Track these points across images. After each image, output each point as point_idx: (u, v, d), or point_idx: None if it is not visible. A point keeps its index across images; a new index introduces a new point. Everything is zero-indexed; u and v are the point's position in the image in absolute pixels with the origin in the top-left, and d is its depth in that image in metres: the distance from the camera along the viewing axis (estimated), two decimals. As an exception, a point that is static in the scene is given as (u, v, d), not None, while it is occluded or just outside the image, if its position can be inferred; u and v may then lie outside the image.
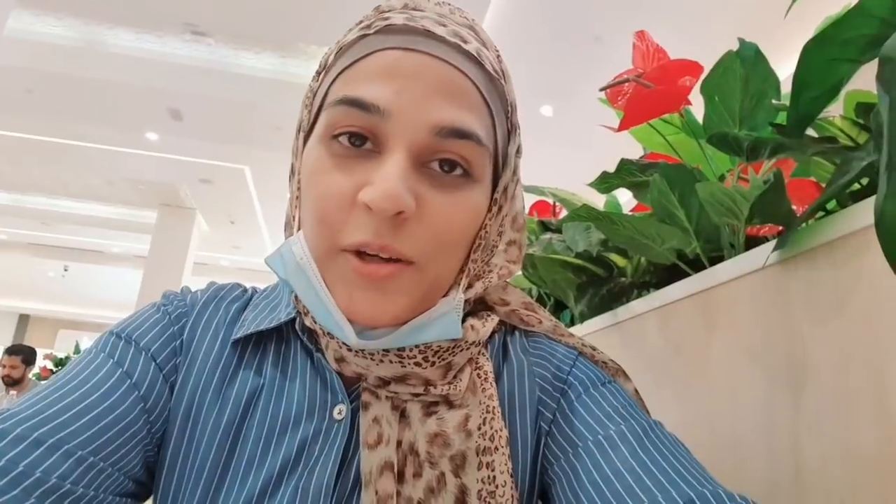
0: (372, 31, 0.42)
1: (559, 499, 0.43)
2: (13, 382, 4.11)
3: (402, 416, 0.44)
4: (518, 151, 0.48)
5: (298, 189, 0.45)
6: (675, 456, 0.41)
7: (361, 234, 0.39)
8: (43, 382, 0.44)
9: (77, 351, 9.00)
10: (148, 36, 4.87)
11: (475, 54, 0.42)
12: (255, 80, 5.20)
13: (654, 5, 3.83)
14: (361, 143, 0.41)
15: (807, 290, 0.52)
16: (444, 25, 0.42)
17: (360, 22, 0.45)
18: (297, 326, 0.49)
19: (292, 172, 0.48)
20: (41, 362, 5.90)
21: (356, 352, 0.43)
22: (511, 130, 0.47)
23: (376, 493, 0.41)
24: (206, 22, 4.60)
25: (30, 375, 4.30)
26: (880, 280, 0.44)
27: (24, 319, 15.24)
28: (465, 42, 0.42)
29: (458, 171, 0.42)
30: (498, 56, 0.47)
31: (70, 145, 6.51)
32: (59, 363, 7.30)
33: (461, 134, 0.40)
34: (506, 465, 0.42)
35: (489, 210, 0.45)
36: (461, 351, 0.45)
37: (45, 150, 6.68)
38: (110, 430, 0.41)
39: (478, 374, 0.45)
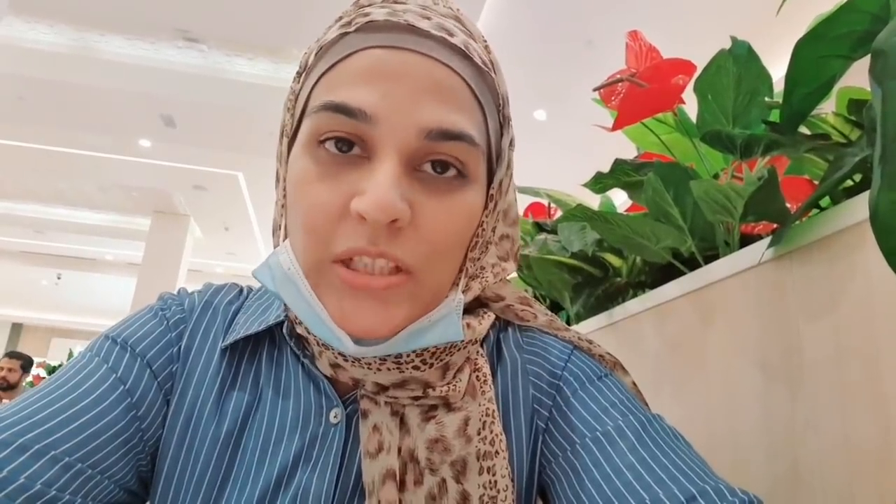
0: (352, 29, 0.40)
1: (559, 498, 0.43)
2: (7, 387, 4.08)
3: (402, 421, 0.43)
4: (511, 144, 0.46)
5: (284, 196, 0.43)
6: (676, 451, 0.40)
7: (354, 241, 0.38)
8: (33, 387, 0.44)
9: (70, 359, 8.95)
10: (140, 42, 4.86)
11: (462, 48, 0.40)
12: (249, 87, 5.19)
13: (645, 9, 3.85)
14: (349, 148, 0.39)
15: (802, 286, 0.52)
16: (429, 18, 0.40)
17: (340, 18, 0.43)
18: (285, 331, 0.47)
19: (278, 179, 0.46)
20: (34, 370, 5.87)
21: (353, 361, 0.42)
22: (503, 124, 0.45)
23: (379, 502, 0.40)
24: (199, 28, 4.60)
25: (23, 383, 4.28)
26: (875, 275, 0.44)
27: (16, 328, 15.14)
28: (452, 35, 0.40)
29: (452, 173, 0.40)
30: (486, 46, 0.44)
31: (62, 153, 6.49)
32: (52, 371, 7.25)
33: (452, 136, 0.39)
34: (506, 469, 0.42)
35: (485, 207, 0.43)
36: (458, 350, 0.44)
37: (37, 158, 6.66)
38: (100, 436, 0.40)
39: (476, 377, 0.45)
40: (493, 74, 0.43)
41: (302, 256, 0.40)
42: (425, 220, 0.39)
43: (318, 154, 0.40)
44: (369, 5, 0.42)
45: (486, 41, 0.45)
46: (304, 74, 0.44)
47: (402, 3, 0.42)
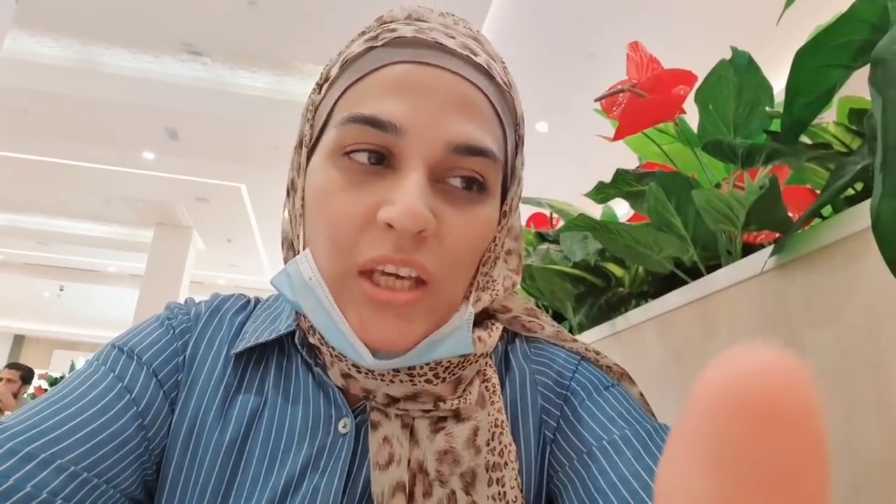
0: (380, 44, 0.41)
1: None
2: None
3: (411, 433, 0.43)
4: (522, 163, 0.48)
5: (302, 206, 0.44)
6: None
7: (379, 250, 0.38)
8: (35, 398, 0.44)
9: (73, 371, 8.94)
10: (145, 56, 4.90)
11: (486, 66, 0.42)
12: (252, 99, 5.23)
13: (646, 22, 3.88)
14: (376, 160, 0.40)
15: (805, 295, 0.52)
16: (453, 38, 0.42)
17: (364, 33, 0.44)
18: (296, 340, 0.47)
19: (293, 188, 0.46)
20: (35, 382, 5.86)
21: (366, 372, 0.42)
22: (518, 142, 0.46)
23: None
24: (203, 42, 4.64)
25: (24, 395, 4.27)
26: (878, 282, 0.44)
27: (18, 340, 15.12)
28: (476, 55, 0.41)
29: (475, 187, 0.41)
30: (504, 67, 0.46)
31: (67, 165, 6.52)
32: (54, 383, 7.25)
33: (477, 151, 0.40)
34: (515, 479, 0.42)
35: (499, 223, 0.44)
36: (470, 364, 0.44)
37: (41, 171, 6.69)
38: (106, 445, 0.40)
39: (486, 387, 0.45)
40: (511, 94, 0.44)
41: (325, 266, 0.40)
42: (448, 230, 0.40)
43: (343, 164, 0.40)
44: (393, 22, 0.43)
45: (503, 62, 0.46)
46: (326, 86, 0.44)
47: (426, 22, 0.43)
